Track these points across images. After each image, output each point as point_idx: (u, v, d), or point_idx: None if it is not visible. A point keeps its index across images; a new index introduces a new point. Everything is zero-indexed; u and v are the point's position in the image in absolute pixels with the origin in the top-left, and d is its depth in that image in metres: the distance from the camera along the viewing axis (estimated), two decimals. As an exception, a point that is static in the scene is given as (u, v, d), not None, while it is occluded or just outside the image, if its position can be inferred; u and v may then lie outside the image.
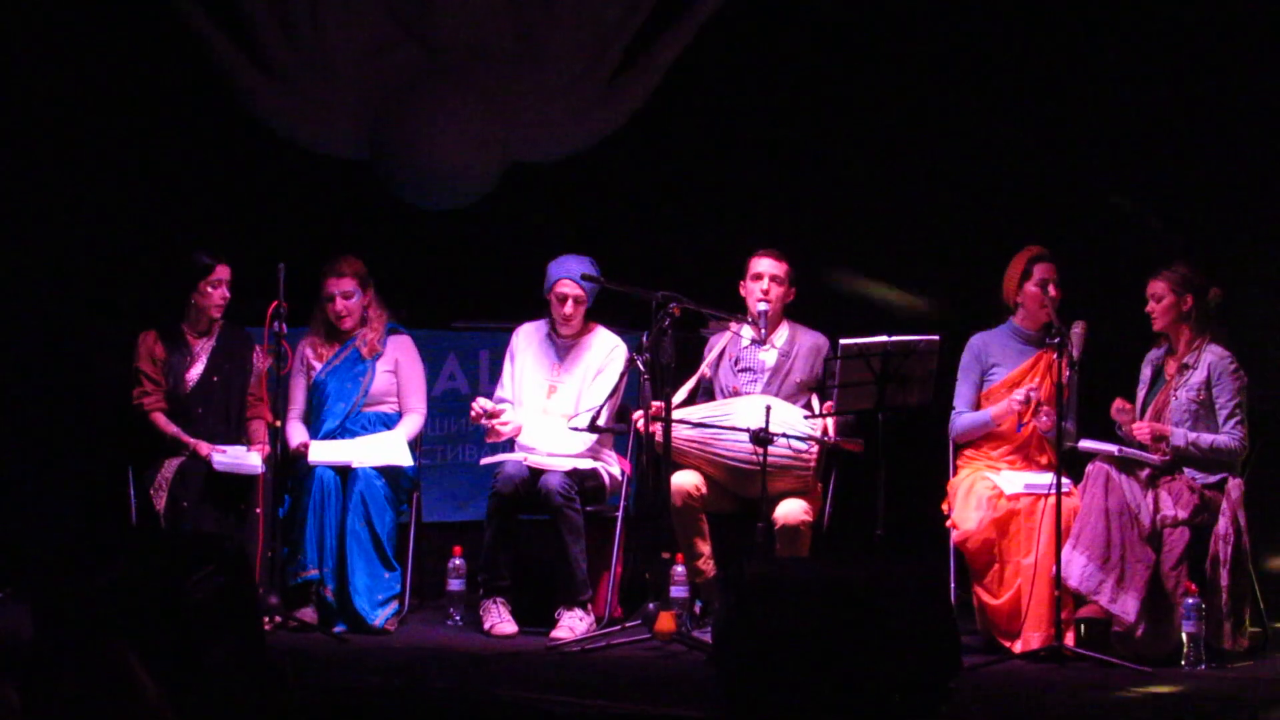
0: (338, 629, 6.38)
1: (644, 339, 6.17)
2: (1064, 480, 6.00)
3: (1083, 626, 6.05)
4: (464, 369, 7.79)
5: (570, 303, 6.66)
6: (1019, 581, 6.14)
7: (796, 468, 6.32)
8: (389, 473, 6.58)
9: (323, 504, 6.48)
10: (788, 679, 4.61)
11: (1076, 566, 6.00)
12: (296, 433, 6.71)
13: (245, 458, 6.49)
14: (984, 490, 6.30)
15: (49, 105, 7.37)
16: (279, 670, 3.73)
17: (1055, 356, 6.03)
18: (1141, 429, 6.18)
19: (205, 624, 4.24)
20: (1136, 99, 7.63)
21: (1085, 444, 6.19)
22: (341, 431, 6.71)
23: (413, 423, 6.80)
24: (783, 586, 4.77)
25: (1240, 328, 6.40)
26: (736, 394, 6.58)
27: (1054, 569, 5.95)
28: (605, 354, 6.73)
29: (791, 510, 6.33)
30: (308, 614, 6.41)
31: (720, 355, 6.71)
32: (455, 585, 6.68)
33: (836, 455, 6.51)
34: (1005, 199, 7.73)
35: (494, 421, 6.59)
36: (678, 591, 6.24)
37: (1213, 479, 6.15)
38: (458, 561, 6.68)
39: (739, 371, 6.65)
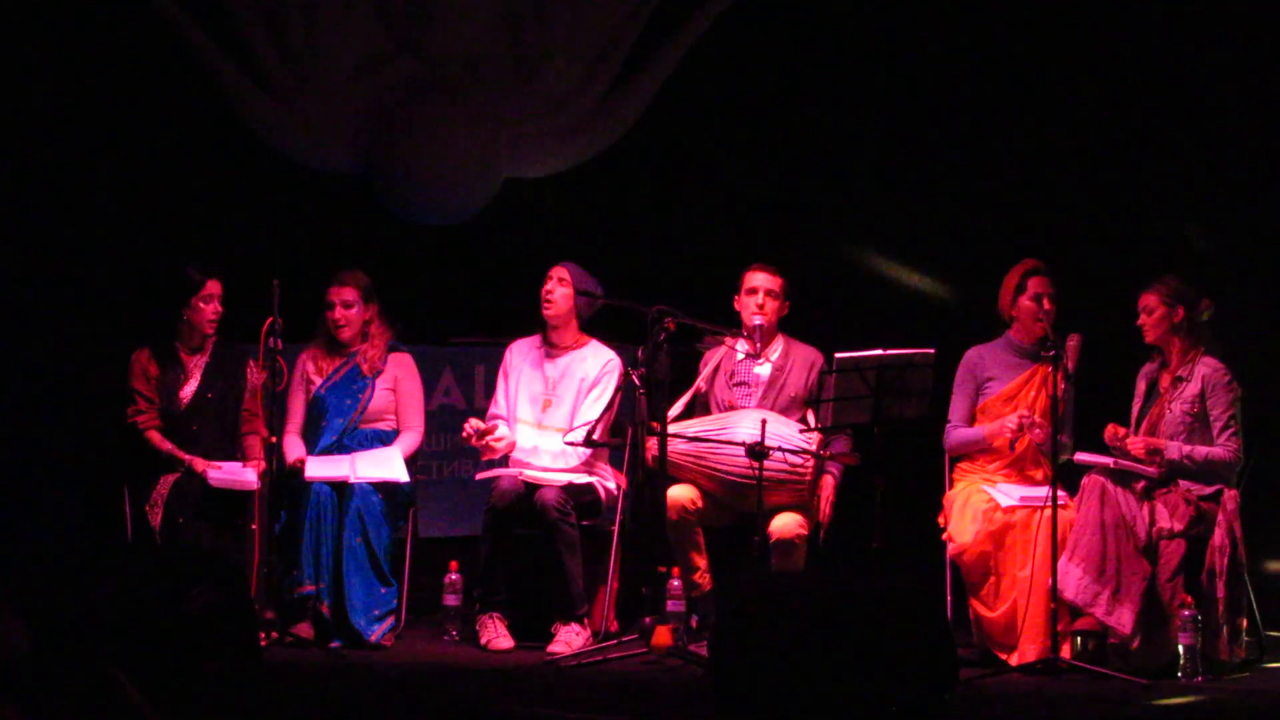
0: (334, 644, 6.37)
1: (640, 353, 6.18)
2: (1059, 493, 6.00)
3: (1079, 639, 6.06)
4: (460, 384, 7.79)
5: (554, 282, 6.67)
6: (1015, 594, 6.14)
7: (792, 481, 6.32)
8: (385, 488, 6.57)
9: (319, 519, 6.47)
10: (784, 692, 4.59)
11: (1072, 579, 6.00)
12: (294, 448, 6.71)
13: (241, 473, 6.49)
14: (980, 503, 6.30)
15: (43, 120, 7.36)
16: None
17: (1050, 370, 6.04)
18: (1136, 443, 6.18)
19: (201, 640, 4.24)
20: (1128, 111, 7.65)
21: (1081, 456, 6.20)
22: (339, 447, 6.71)
23: (410, 440, 6.80)
24: (778, 600, 4.75)
25: (1233, 339, 6.41)
26: (732, 408, 6.58)
27: (1050, 581, 5.95)
28: (599, 368, 6.73)
29: (787, 524, 6.33)
30: (304, 629, 6.40)
31: (715, 370, 6.71)
32: (451, 600, 6.66)
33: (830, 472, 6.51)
34: (1000, 213, 7.75)
35: (487, 439, 6.59)
36: (674, 605, 6.23)
37: (1208, 491, 6.15)
38: (454, 577, 6.67)
39: (734, 386, 6.65)
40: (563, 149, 7.99)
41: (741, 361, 6.68)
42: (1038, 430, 6.25)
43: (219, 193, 7.64)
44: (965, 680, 5.29)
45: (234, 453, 6.68)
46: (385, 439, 6.78)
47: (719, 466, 6.34)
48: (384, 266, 7.26)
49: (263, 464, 6.47)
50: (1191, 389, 6.21)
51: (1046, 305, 6.36)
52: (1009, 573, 6.20)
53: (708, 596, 6.42)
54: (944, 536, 6.39)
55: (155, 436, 6.59)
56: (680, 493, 6.40)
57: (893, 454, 6.03)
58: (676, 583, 6.29)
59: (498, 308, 7.56)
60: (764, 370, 6.65)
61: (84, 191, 7.43)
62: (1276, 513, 6.88)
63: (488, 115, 7.88)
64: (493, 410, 6.83)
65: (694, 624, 6.42)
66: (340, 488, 6.51)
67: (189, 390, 6.65)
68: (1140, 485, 6.14)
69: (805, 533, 6.35)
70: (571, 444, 6.50)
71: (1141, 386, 6.41)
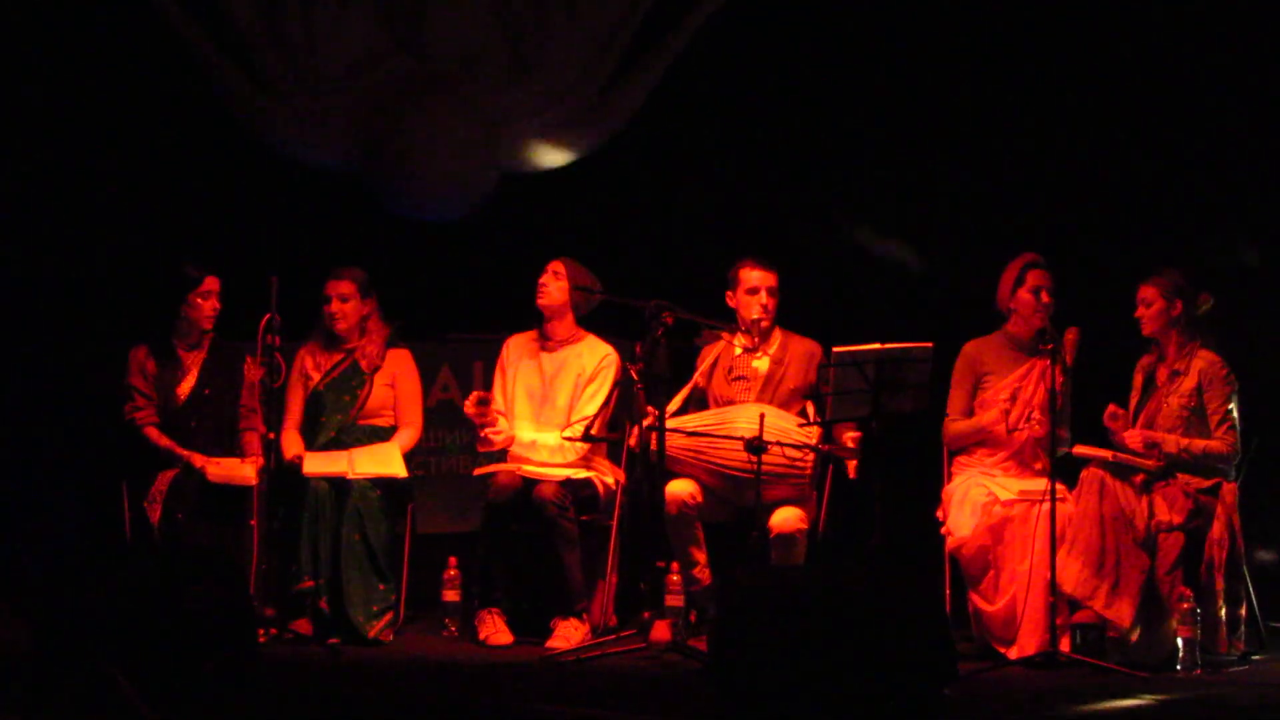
0: (333, 640, 6.37)
1: (638, 348, 6.18)
2: (1058, 486, 6.01)
3: (1078, 632, 6.06)
4: (458, 380, 7.80)
5: (549, 275, 6.67)
6: (1014, 588, 6.14)
7: (792, 476, 6.32)
8: (384, 484, 6.57)
9: (317, 515, 6.47)
10: (784, 687, 4.61)
11: (1071, 572, 6.00)
12: (292, 444, 6.71)
13: (239, 470, 6.49)
14: (979, 497, 6.30)
15: (40, 119, 7.36)
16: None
17: (1049, 363, 6.04)
18: (1134, 436, 6.19)
19: (200, 636, 4.24)
20: (1127, 105, 7.65)
21: (1079, 450, 6.20)
22: (337, 443, 6.71)
23: (408, 436, 6.81)
24: (778, 595, 4.77)
25: (1230, 332, 6.41)
26: (731, 403, 6.58)
27: (1049, 575, 5.96)
28: (596, 362, 6.73)
29: (787, 518, 6.33)
30: (303, 625, 6.40)
31: (713, 364, 6.71)
32: (450, 596, 6.67)
33: (831, 463, 6.51)
34: (998, 206, 7.75)
35: (485, 431, 6.59)
36: (673, 600, 6.23)
37: (1207, 484, 6.16)
38: (452, 572, 6.67)
39: (733, 380, 6.65)
40: (559, 145, 7.99)
41: (739, 356, 6.68)
42: (1036, 424, 6.25)
43: (217, 190, 7.64)
44: (964, 674, 5.28)
45: (232, 449, 6.68)
46: (383, 435, 6.78)
47: (719, 461, 6.34)
48: (382, 263, 7.26)
49: (261, 460, 6.47)
50: (1189, 383, 6.22)
51: (1045, 298, 6.37)
52: (1008, 566, 6.20)
53: (707, 591, 6.42)
54: (943, 530, 6.40)
55: (153, 433, 6.60)
56: (680, 487, 6.40)
57: (892, 448, 6.04)
58: (675, 577, 6.29)
59: (495, 304, 7.56)
60: (762, 364, 6.64)
61: (82, 189, 7.42)
62: (1274, 505, 6.88)
63: (484, 112, 7.88)
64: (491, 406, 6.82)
65: (693, 619, 6.42)
66: (339, 484, 6.52)
67: (187, 387, 6.66)
68: (1139, 478, 6.14)
69: (805, 527, 6.35)
70: (569, 439, 6.50)
71: (1138, 380, 6.42)
